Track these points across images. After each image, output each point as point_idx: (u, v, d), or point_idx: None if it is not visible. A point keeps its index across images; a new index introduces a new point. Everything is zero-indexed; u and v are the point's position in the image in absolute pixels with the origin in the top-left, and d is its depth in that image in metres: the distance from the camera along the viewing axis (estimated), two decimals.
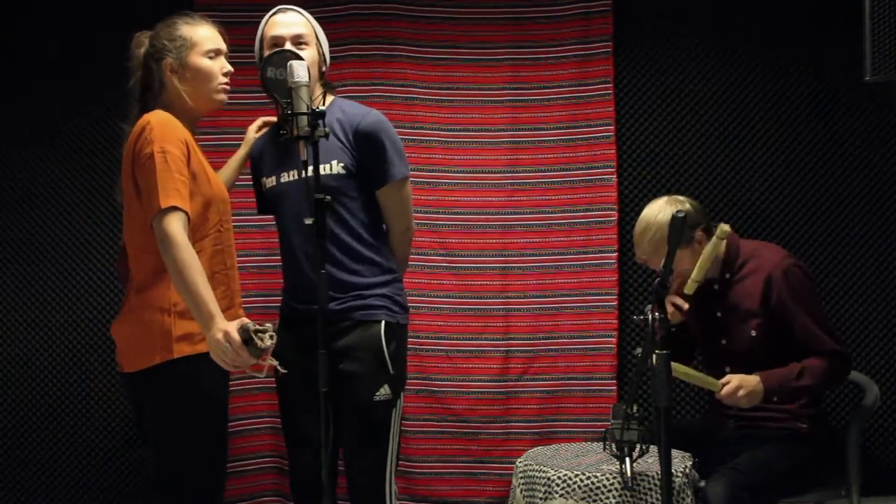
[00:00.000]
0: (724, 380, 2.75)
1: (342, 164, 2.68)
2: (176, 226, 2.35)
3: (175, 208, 2.36)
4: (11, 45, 3.76)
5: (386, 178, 2.73)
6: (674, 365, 2.70)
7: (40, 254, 3.76)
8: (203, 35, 2.57)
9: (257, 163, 2.88)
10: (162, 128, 2.42)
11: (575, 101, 3.63)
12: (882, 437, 3.52)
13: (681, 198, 2.93)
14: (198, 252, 2.40)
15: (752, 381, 2.75)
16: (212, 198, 2.52)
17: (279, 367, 2.36)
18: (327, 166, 2.66)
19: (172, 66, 2.53)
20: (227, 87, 2.61)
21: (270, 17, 2.77)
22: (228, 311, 2.49)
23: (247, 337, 2.26)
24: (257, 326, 2.28)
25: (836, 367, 2.83)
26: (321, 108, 2.31)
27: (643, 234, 2.88)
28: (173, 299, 2.42)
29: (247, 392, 3.59)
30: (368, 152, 2.70)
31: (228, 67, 2.62)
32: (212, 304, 2.33)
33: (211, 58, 2.57)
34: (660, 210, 2.87)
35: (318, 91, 2.75)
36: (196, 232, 2.46)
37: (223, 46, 2.62)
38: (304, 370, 2.62)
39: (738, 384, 2.73)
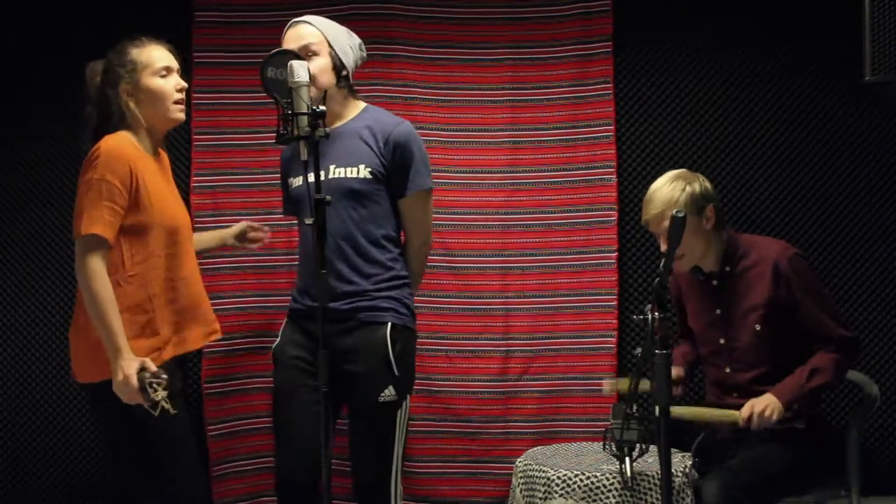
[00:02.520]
0: (742, 411, 2.75)
1: (369, 169, 2.74)
2: (93, 255, 2.46)
3: (94, 237, 2.46)
4: (12, 46, 3.76)
5: (411, 187, 2.80)
6: (680, 410, 2.71)
7: (40, 254, 3.76)
8: (151, 56, 2.64)
9: (286, 165, 2.94)
10: (108, 156, 2.50)
11: (575, 101, 3.63)
12: (882, 437, 3.52)
13: (701, 176, 2.94)
14: (131, 276, 2.53)
15: (765, 397, 2.77)
16: (153, 225, 2.58)
17: (170, 410, 2.44)
18: (355, 169, 2.73)
19: (128, 90, 2.60)
20: (182, 104, 2.67)
21: (284, 33, 2.82)
22: (190, 316, 2.64)
23: (143, 385, 2.41)
24: (153, 379, 2.41)
25: (846, 354, 2.83)
26: (321, 107, 2.31)
27: (659, 189, 2.87)
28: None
29: (246, 392, 3.59)
30: (397, 161, 2.76)
31: (182, 83, 2.68)
32: (121, 336, 2.45)
33: (163, 76, 2.64)
34: (678, 175, 2.90)
35: (340, 96, 2.77)
36: (135, 256, 2.55)
37: (174, 64, 2.68)
38: (306, 368, 2.64)
39: (752, 407, 2.74)
